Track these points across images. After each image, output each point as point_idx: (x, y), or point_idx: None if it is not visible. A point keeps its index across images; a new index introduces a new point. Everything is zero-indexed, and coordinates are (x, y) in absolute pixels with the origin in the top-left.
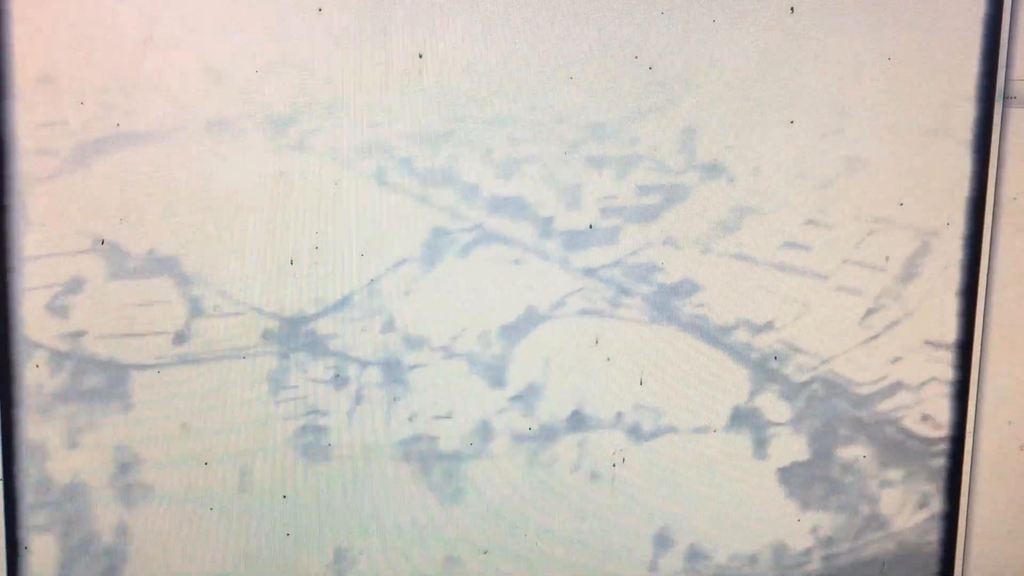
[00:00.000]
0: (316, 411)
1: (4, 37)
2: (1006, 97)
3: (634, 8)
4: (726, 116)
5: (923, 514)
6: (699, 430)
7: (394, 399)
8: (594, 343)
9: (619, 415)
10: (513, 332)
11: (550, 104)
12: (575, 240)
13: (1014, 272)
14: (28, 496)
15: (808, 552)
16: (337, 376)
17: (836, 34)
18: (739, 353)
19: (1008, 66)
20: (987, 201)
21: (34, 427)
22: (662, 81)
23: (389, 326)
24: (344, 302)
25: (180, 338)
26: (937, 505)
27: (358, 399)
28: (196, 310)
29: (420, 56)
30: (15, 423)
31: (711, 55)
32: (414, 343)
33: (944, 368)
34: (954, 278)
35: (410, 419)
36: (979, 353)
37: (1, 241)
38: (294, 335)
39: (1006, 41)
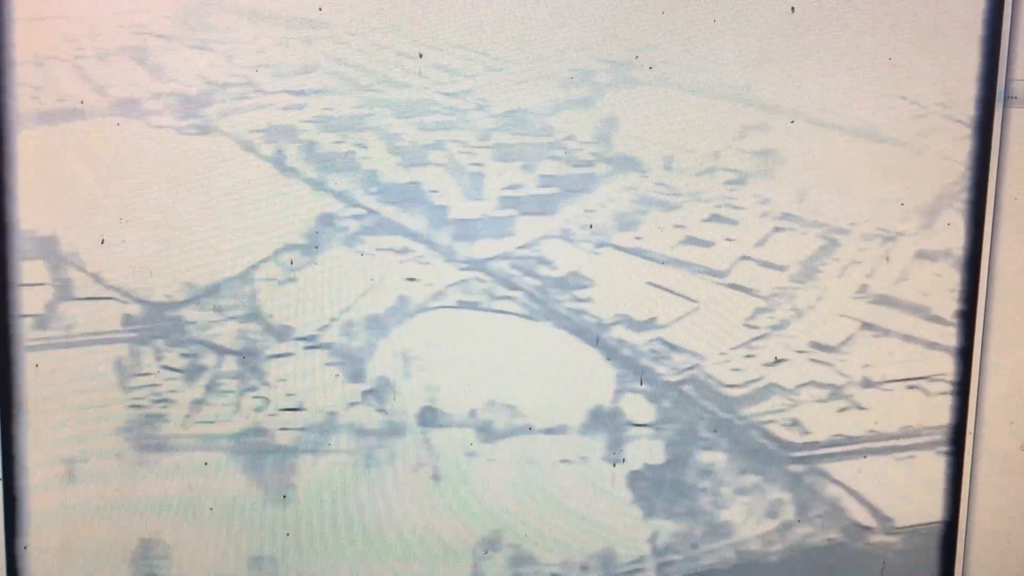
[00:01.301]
0: (163, 400)
1: None
2: (1007, 97)
3: (635, 7)
4: (724, 116)
5: (771, 524)
6: (554, 430)
7: (246, 389)
8: (464, 337)
9: (472, 412)
10: (381, 324)
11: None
12: (467, 231)
13: (1015, 273)
14: None
15: (641, 560)
16: (192, 364)
17: (836, 34)
18: (612, 350)
19: (1009, 66)
20: (988, 201)
21: None
22: (662, 79)
23: (255, 315)
24: (214, 288)
25: (41, 322)
26: (789, 513)
27: (210, 388)
28: (63, 294)
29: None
30: None
31: (712, 54)
32: (280, 333)
33: (824, 370)
34: (955, 279)
35: (256, 410)
36: (980, 353)
37: None
38: (156, 321)
39: (1007, 41)
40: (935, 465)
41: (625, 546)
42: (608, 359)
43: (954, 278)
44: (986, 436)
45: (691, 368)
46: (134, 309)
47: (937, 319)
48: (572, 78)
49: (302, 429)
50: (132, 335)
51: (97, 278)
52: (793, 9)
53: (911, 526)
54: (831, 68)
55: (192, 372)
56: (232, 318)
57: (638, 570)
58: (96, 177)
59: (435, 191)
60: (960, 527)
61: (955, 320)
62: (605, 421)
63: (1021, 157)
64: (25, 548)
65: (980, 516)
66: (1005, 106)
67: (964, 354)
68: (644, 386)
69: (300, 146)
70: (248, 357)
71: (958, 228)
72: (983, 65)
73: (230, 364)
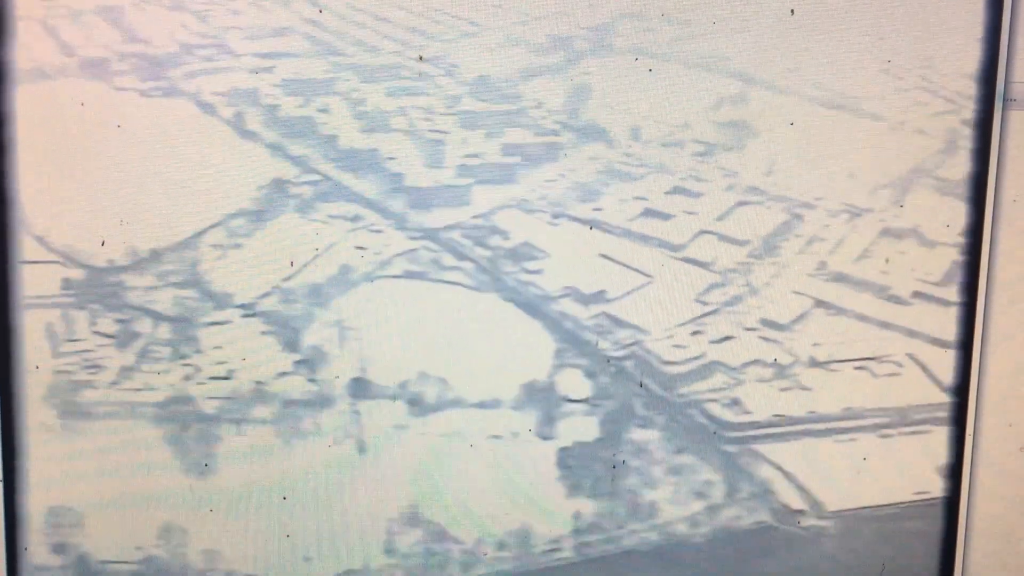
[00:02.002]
0: (93, 366)
1: None
2: (1006, 100)
3: (634, 10)
4: (724, 123)
5: (697, 505)
6: (486, 404)
7: (178, 357)
8: (404, 307)
9: (403, 384)
10: (322, 292)
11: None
12: (422, 199)
13: (1014, 274)
14: None
15: (558, 540)
16: (127, 331)
17: (836, 36)
18: (555, 323)
19: (1008, 69)
20: (987, 204)
21: None
22: (663, 83)
23: (196, 281)
24: (157, 255)
25: None
26: (718, 495)
27: (142, 355)
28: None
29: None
30: None
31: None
32: (219, 300)
33: (773, 349)
34: (954, 280)
35: (186, 379)
36: (979, 355)
37: None
38: (95, 286)
39: (1006, 44)
40: (891, 447)
41: (545, 524)
42: (549, 332)
43: (918, 259)
44: (985, 437)
45: (633, 344)
46: (75, 273)
47: (896, 299)
48: (547, 45)
49: (227, 398)
50: (68, 300)
51: (42, 240)
52: (793, 11)
53: (838, 511)
54: (829, 69)
55: (125, 338)
56: (171, 285)
57: (556, 549)
58: (50, 138)
59: (393, 158)
60: (960, 526)
61: (914, 300)
62: (540, 396)
63: (1020, 159)
64: (26, 549)
65: (980, 516)
66: (1004, 108)
67: (963, 357)
68: (582, 360)
69: (261, 110)
70: (184, 325)
71: (957, 229)
72: (982, 67)
73: (164, 331)
